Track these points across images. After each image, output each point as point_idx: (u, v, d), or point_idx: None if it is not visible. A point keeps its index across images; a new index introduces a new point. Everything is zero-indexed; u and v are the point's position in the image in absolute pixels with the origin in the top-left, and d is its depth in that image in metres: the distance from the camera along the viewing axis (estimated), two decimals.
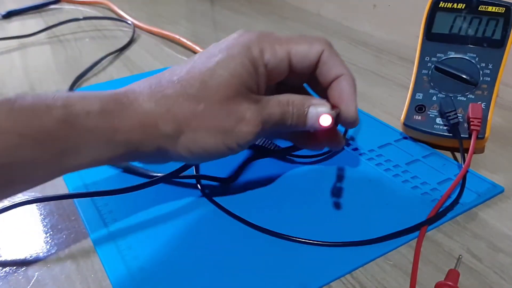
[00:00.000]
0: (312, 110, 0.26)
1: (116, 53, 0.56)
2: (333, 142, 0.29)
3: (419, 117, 0.35)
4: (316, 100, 0.27)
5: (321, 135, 0.29)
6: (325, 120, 0.26)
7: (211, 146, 0.24)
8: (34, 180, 0.23)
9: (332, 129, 0.28)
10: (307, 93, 0.30)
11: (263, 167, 0.32)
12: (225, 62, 0.24)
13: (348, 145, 0.35)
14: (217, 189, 0.31)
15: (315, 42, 0.27)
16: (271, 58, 0.25)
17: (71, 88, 0.47)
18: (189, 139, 0.24)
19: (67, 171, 0.23)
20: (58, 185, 0.32)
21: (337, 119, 0.27)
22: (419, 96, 0.35)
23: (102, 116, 0.23)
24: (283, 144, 0.34)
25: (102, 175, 0.32)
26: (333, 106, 0.27)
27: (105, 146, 0.23)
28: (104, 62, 0.52)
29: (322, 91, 0.28)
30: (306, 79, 0.29)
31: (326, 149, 0.34)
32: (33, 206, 0.30)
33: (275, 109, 0.25)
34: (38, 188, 0.31)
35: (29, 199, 0.29)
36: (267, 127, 0.25)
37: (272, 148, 0.34)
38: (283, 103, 0.26)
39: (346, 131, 0.36)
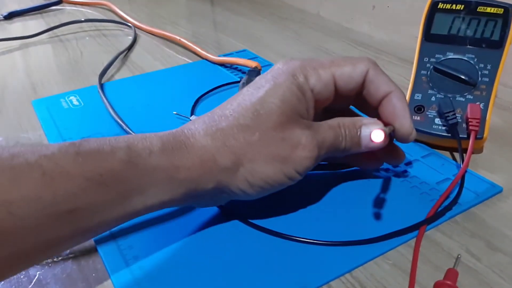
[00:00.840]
0: (365, 130, 0.26)
1: (125, 53, 0.57)
2: (393, 158, 0.29)
3: (418, 118, 0.35)
4: (367, 119, 0.27)
5: (380, 153, 0.29)
6: (377, 136, 0.25)
7: (270, 175, 0.24)
8: (98, 225, 0.22)
9: (390, 145, 0.28)
10: (356, 115, 0.30)
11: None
12: (273, 90, 0.25)
13: None
14: None
15: (359, 62, 0.27)
16: (316, 82, 0.26)
17: (101, 84, 0.47)
18: (247, 170, 0.24)
19: (131, 215, 0.23)
20: None
21: (392, 136, 0.27)
22: (418, 96, 0.35)
23: (163, 155, 0.23)
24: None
25: None
26: (386, 124, 0.27)
27: (168, 185, 0.23)
28: (105, 62, 0.52)
29: (372, 111, 0.28)
30: (352, 102, 0.29)
31: None
32: None
33: (327, 133, 0.25)
34: None
35: None
36: (322, 152, 0.25)
37: None
38: (334, 126, 0.26)
39: None
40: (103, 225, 0.22)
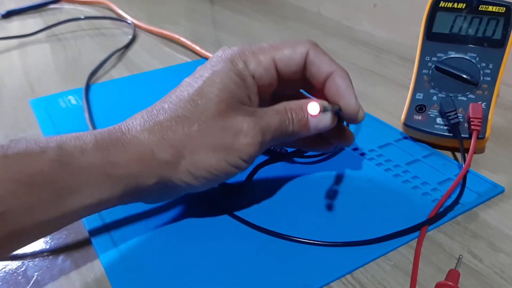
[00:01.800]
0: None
1: (121, 51, 0.56)
2: (342, 140, 0.29)
3: (420, 117, 0.35)
4: (315, 101, 0.26)
5: (330, 135, 0.29)
6: (313, 108, 0.25)
7: (213, 165, 0.24)
8: (34, 227, 0.21)
9: (339, 127, 0.27)
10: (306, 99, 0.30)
11: (262, 168, 0.32)
12: (211, 79, 0.24)
13: None
14: (216, 189, 0.31)
15: (298, 44, 0.26)
16: (256, 67, 0.25)
17: (87, 87, 0.47)
18: (189, 162, 0.24)
19: (70, 215, 0.22)
20: None
21: (341, 116, 0.26)
22: (419, 96, 0.35)
23: (97, 152, 0.22)
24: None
25: None
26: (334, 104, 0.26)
27: (104, 183, 0.22)
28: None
29: (321, 94, 0.27)
30: (299, 85, 0.29)
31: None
32: None
33: (273, 118, 0.25)
34: None
35: None
36: (268, 137, 0.25)
37: (278, 150, 0.33)
38: (281, 111, 0.25)
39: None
40: (40, 227, 0.22)
